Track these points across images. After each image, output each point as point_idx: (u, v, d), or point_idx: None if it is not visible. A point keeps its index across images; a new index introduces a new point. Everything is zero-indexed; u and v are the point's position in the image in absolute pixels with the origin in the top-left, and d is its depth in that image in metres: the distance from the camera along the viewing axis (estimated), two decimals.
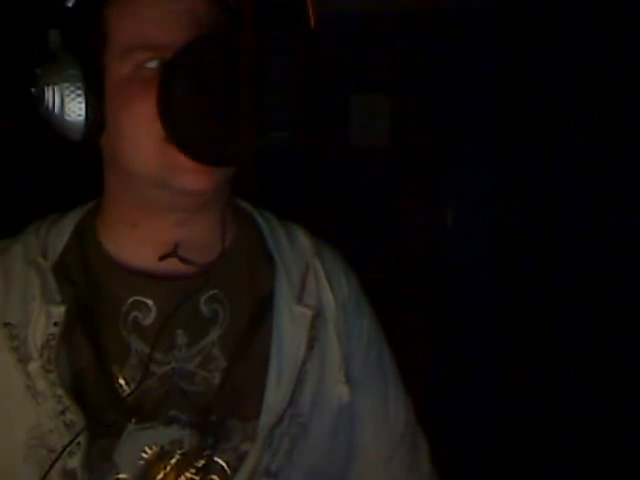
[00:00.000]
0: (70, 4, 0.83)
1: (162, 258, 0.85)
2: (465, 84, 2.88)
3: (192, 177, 0.79)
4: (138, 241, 0.87)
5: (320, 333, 0.89)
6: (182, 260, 0.85)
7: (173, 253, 0.85)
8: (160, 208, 0.85)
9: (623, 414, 2.57)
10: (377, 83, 2.95)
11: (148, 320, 0.85)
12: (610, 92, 2.77)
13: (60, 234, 0.89)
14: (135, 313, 0.85)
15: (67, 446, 0.78)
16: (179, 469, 0.81)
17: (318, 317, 0.89)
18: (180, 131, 0.77)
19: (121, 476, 0.81)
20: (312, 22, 2.27)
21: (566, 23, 2.79)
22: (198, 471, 0.82)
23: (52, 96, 0.80)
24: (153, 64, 0.79)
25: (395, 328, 1.06)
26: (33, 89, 0.82)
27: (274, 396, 0.84)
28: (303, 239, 0.95)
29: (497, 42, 2.82)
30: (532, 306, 2.86)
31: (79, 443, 0.78)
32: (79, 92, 0.80)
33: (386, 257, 2.86)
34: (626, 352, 2.66)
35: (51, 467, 0.78)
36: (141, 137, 0.79)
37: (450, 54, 2.88)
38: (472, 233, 2.89)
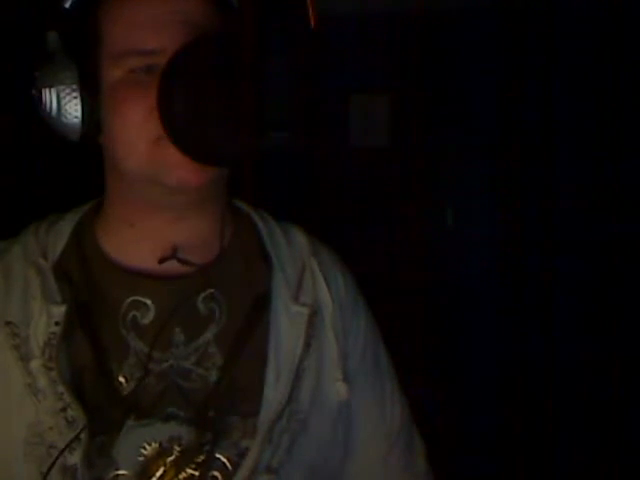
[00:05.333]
0: (67, 4, 0.83)
1: (161, 261, 0.86)
2: (465, 84, 2.89)
3: (184, 174, 0.80)
4: (136, 240, 0.88)
5: (317, 331, 0.90)
6: (181, 262, 0.86)
7: (172, 256, 0.86)
8: (156, 206, 0.86)
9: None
10: (376, 83, 2.96)
11: (147, 319, 0.86)
12: (610, 92, 2.77)
13: (59, 235, 0.90)
14: (134, 312, 0.86)
15: (70, 443, 0.79)
16: (179, 465, 0.82)
17: (315, 315, 0.90)
18: (180, 132, 0.77)
19: (120, 472, 0.81)
20: (312, 22, 2.27)
21: (566, 24, 2.79)
22: (198, 467, 0.82)
23: (49, 98, 0.81)
24: (145, 69, 0.80)
25: (394, 328, 1.06)
26: (33, 90, 0.83)
27: (273, 393, 0.85)
28: (300, 239, 0.96)
29: (497, 42, 2.82)
30: (533, 306, 2.86)
31: (79, 439, 0.79)
32: (75, 94, 0.81)
33: (386, 257, 2.86)
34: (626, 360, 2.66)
35: (52, 464, 0.79)
36: (133, 139, 0.81)
37: (449, 54, 2.88)
38: (472, 233, 2.89)
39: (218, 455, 0.83)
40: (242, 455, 0.83)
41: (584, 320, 2.75)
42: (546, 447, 2.65)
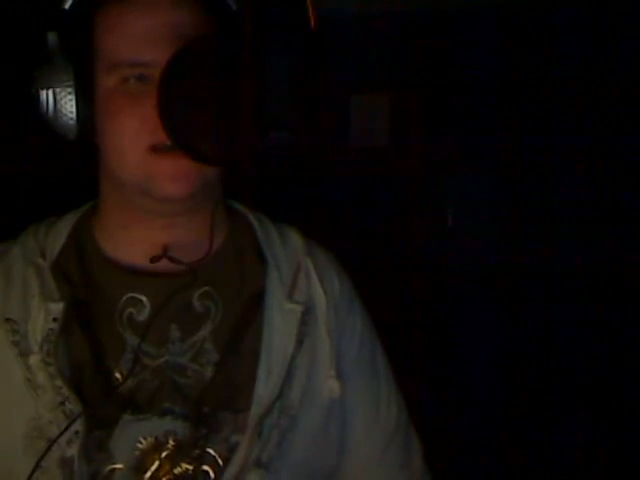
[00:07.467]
0: (67, 6, 0.84)
1: (153, 261, 0.88)
2: (465, 84, 2.89)
3: (170, 185, 0.82)
4: (130, 241, 0.90)
5: (310, 329, 0.91)
6: (171, 260, 0.88)
7: (162, 255, 0.88)
8: (148, 212, 0.88)
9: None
10: (376, 83, 2.96)
11: (142, 316, 0.87)
12: (610, 90, 2.77)
13: (58, 235, 0.92)
14: (130, 309, 0.87)
15: (64, 430, 0.80)
16: (174, 459, 0.84)
17: (308, 313, 0.92)
18: (179, 132, 0.78)
19: (117, 466, 0.83)
20: (312, 22, 2.28)
21: (566, 23, 2.79)
22: (192, 461, 0.84)
23: (46, 99, 0.83)
24: (137, 77, 0.81)
25: (393, 328, 1.07)
26: (31, 89, 0.84)
27: (264, 389, 0.86)
28: (296, 240, 0.98)
29: (497, 42, 2.83)
30: (533, 306, 2.86)
31: (77, 432, 0.81)
32: (70, 97, 0.83)
33: (386, 257, 2.86)
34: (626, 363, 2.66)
35: (46, 452, 0.80)
36: (126, 148, 0.83)
37: (450, 54, 2.89)
38: (472, 233, 2.89)
39: (209, 450, 0.84)
40: (232, 450, 0.84)
41: (584, 319, 2.75)
42: (546, 446, 2.65)
